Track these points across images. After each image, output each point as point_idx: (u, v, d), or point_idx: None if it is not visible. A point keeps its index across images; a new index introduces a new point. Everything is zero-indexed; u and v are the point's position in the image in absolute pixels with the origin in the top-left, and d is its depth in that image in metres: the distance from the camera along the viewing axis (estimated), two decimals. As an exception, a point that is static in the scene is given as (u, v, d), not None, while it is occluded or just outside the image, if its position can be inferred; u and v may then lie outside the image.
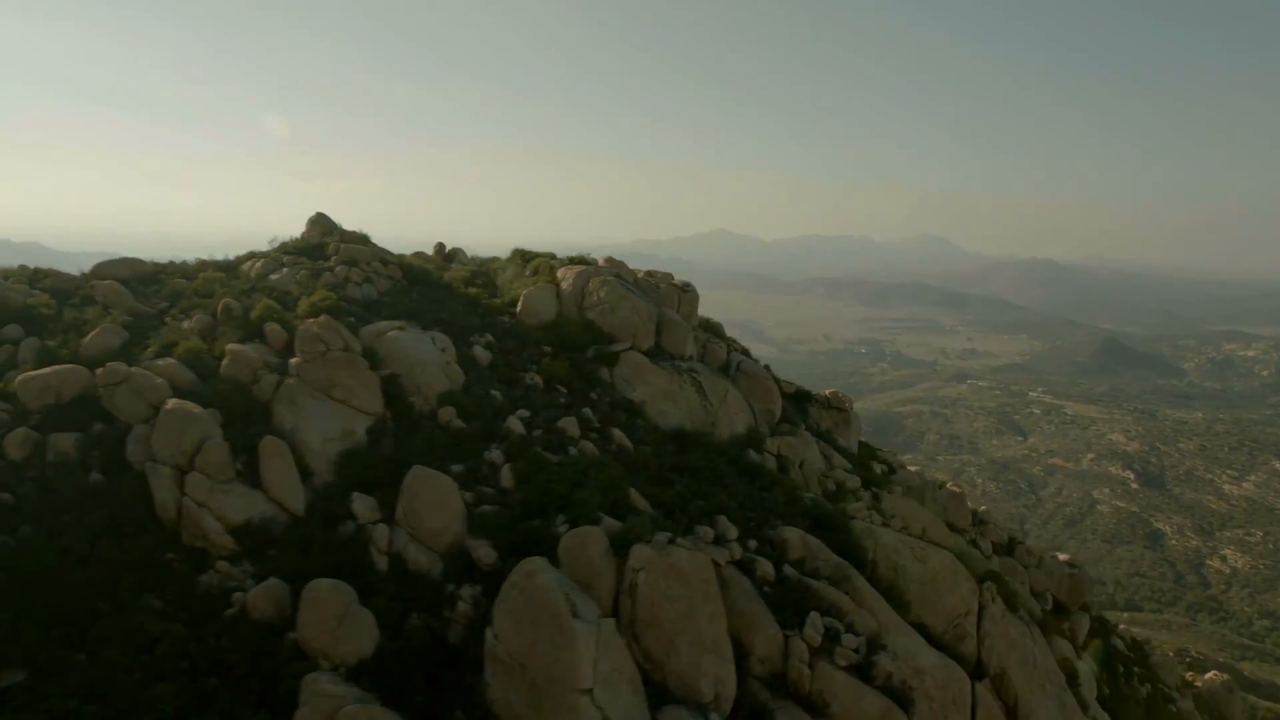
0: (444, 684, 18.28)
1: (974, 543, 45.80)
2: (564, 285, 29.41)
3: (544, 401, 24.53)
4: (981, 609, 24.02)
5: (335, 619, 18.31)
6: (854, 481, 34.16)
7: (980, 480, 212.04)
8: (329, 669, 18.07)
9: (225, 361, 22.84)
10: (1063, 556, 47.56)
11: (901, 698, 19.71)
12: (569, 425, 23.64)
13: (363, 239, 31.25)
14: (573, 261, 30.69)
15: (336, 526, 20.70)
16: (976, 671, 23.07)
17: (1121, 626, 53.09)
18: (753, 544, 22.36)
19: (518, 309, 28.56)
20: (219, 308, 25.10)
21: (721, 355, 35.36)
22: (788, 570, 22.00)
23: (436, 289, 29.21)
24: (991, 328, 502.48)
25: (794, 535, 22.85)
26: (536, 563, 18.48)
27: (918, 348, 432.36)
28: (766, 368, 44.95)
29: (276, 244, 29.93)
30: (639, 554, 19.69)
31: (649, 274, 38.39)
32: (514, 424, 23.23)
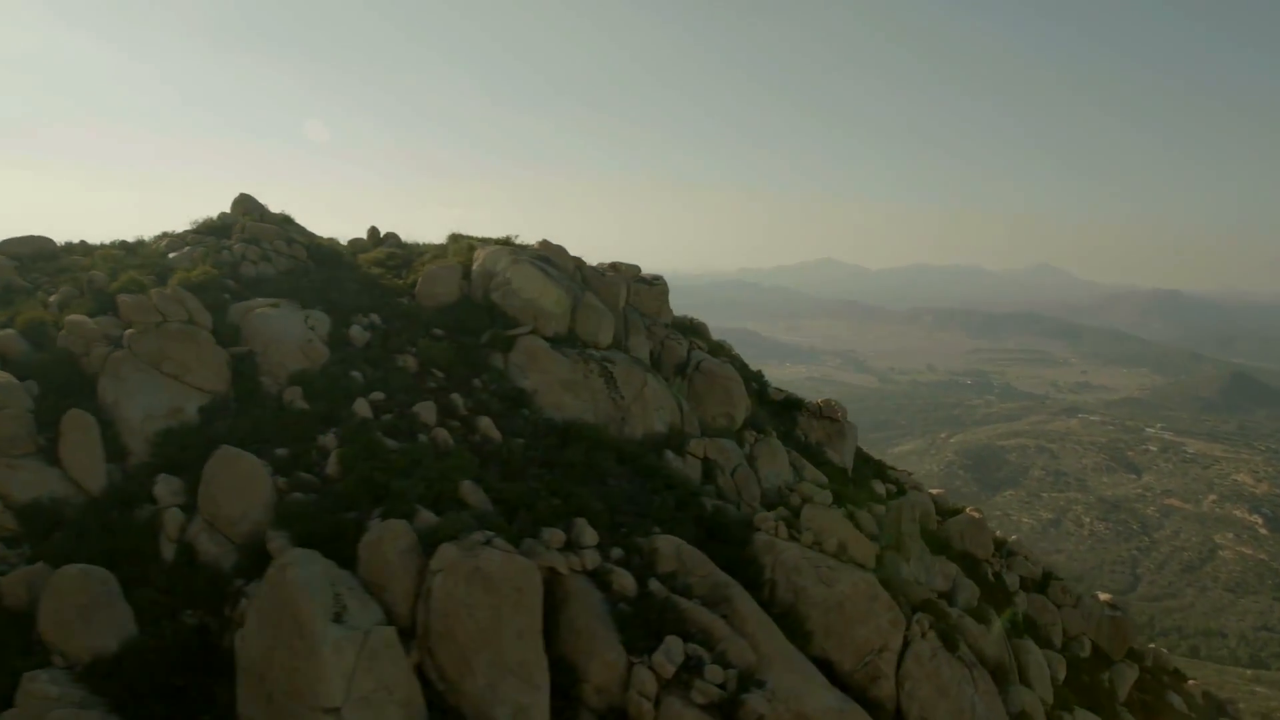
0: (192, 692, 15.74)
1: (997, 576, 40.55)
2: (475, 266, 26.88)
3: (408, 385, 21.99)
4: (906, 645, 19.88)
5: (76, 611, 16.10)
6: (824, 496, 30.16)
7: (1088, 520, 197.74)
8: (61, 666, 15.82)
9: (62, 332, 21.24)
10: (1104, 596, 41.70)
11: (771, 746, 16.09)
12: (425, 411, 20.98)
13: (283, 219, 29.61)
14: (500, 243, 28.17)
15: (134, 510, 18.58)
16: (892, 721, 19.04)
17: (1192, 683, 46.23)
18: (616, 553, 19.08)
19: (416, 290, 26.18)
20: (85, 280, 23.68)
21: (680, 353, 32.07)
22: (654, 586, 18.60)
23: (341, 270, 27.18)
24: (1108, 360, 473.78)
25: (667, 545, 19.41)
26: (295, 555, 15.84)
27: (1027, 380, 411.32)
28: (759, 374, 41.43)
29: (195, 224, 28.57)
30: (442, 554, 16.80)
31: (613, 265, 35.51)
32: (361, 407, 20.75)
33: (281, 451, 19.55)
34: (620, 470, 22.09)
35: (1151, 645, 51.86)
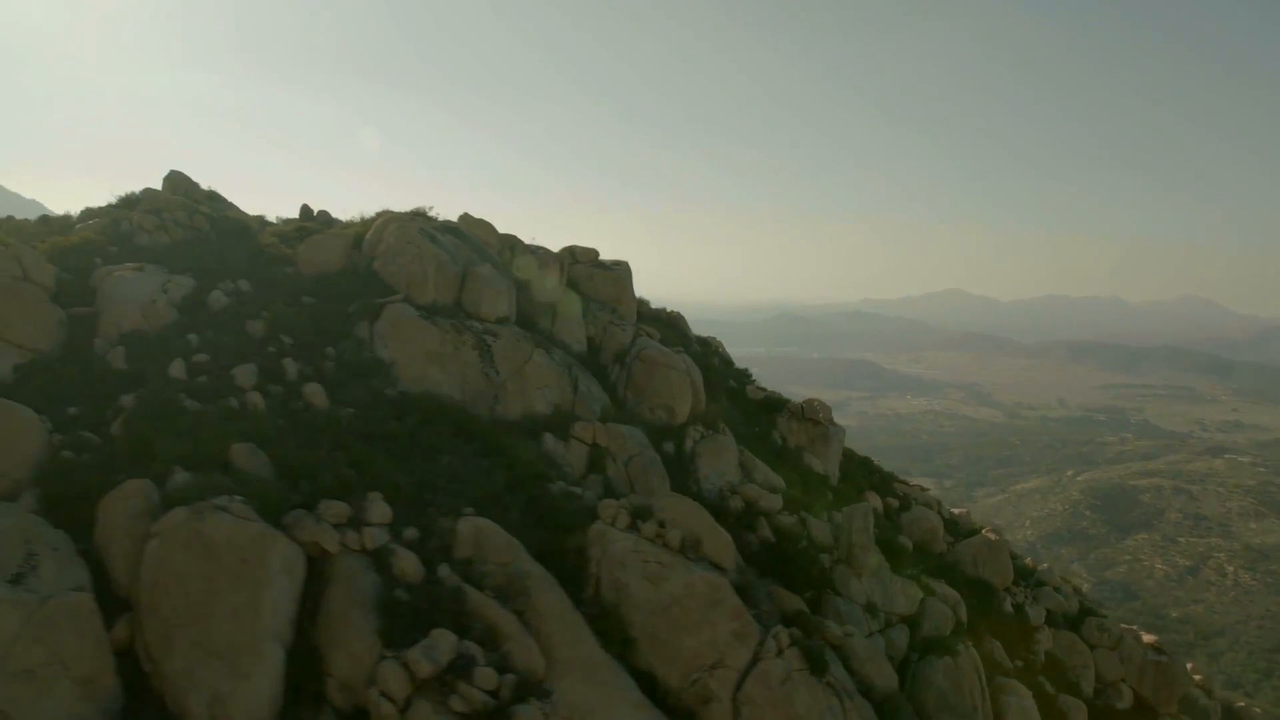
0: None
1: (1018, 607, 35.61)
2: (368, 234, 25.16)
3: (246, 350, 20.36)
4: (754, 663, 16.44)
5: None
6: (771, 501, 26.84)
7: (1231, 569, 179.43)
8: None
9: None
10: (1148, 639, 35.91)
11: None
12: (243, 374, 19.28)
13: (209, 195, 28.92)
14: (414, 215, 26.41)
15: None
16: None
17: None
18: (410, 533, 16.68)
19: (297, 257, 24.68)
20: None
21: (622, 339, 29.40)
22: (444, 572, 16.07)
23: (239, 242, 26.02)
24: (1263, 398, 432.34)
25: (467, 528, 16.83)
26: (-17, 508, 14.16)
27: (1169, 417, 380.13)
28: (742, 369, 38.04)
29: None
30: (169, 518, 14.95)
31: (568, 248, 33.29)
32: (176, 368, 19.26)
33: (73, 410, 18.20)
34: (463, 448, 19.65)
35: (1241, 704, 44.80)
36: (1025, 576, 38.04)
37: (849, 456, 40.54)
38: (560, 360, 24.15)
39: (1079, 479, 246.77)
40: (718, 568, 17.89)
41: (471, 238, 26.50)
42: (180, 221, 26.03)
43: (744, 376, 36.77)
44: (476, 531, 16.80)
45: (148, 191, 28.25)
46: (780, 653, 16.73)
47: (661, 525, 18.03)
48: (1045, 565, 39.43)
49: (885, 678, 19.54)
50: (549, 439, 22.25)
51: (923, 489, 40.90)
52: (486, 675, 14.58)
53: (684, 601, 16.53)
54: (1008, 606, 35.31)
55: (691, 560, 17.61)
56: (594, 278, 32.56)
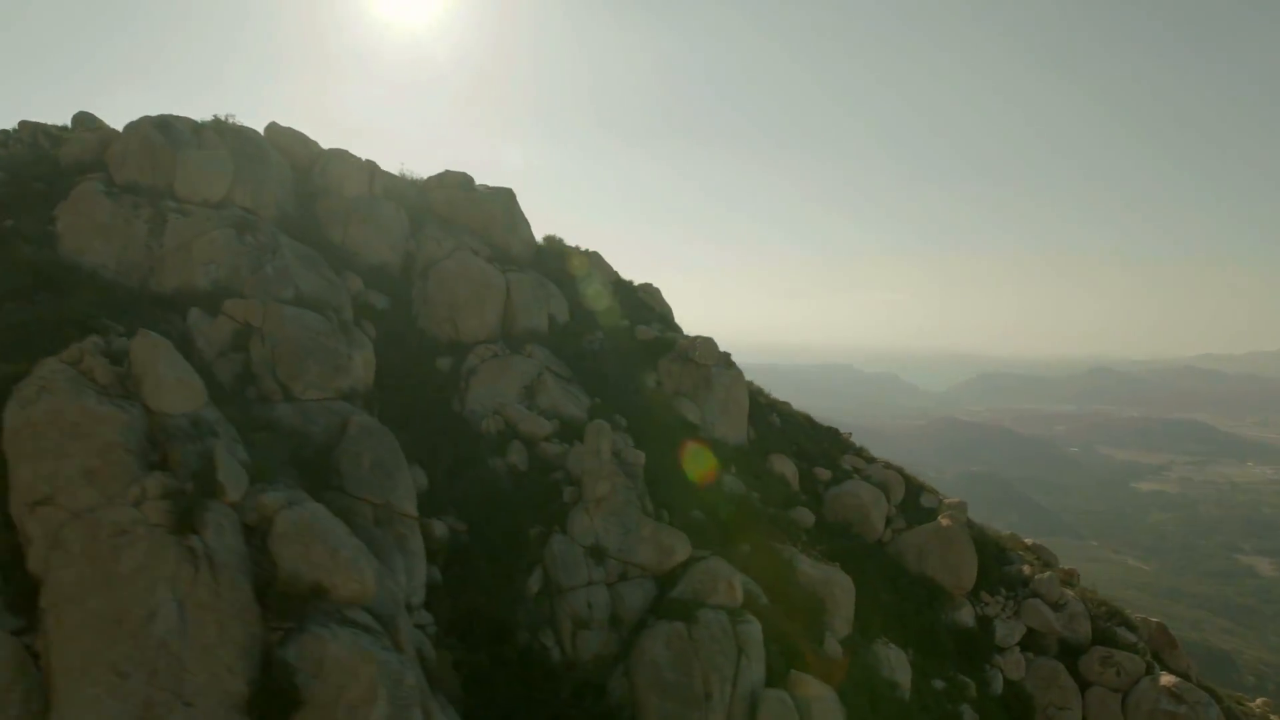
0: None
1: (985, 621, 28.29)
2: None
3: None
4: (94, 509, 13.24)
5: None
6: (538, 426, 23.13)
7: None
8: None
9: None
10: (1167, 679, 25.82)
11: None
12: None
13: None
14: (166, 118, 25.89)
15: None
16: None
17: None
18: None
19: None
20: None
21: (435, 253, 26.95)
22: None
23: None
24: None
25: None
26: None
27: None
28: (669, 315, 33.13)
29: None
30: None
31: (441, 174, 31.36)
32: None
33: None
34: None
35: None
36: (1011, 584, 28.93)
37: (812, 424, 33.89)
38: (254, 243, 22.19)
39: None
40: (151, 411, 14.91)
41: (253, 140, 25.59)
42: None
43: (660, 319, 32.08)
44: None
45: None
46: (139, 504, 13.42)
47: (116, 362, 15.55)
48: (1048, 574, 29.35)
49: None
50: (195, 313, 20.43)
51: (866, 452, 32.58)
52: None
53: (41, 427, 13.87)
54: (968, 619, 27.05)
55: (114, 396, 14.83)
56: (454, 202, 30.27)
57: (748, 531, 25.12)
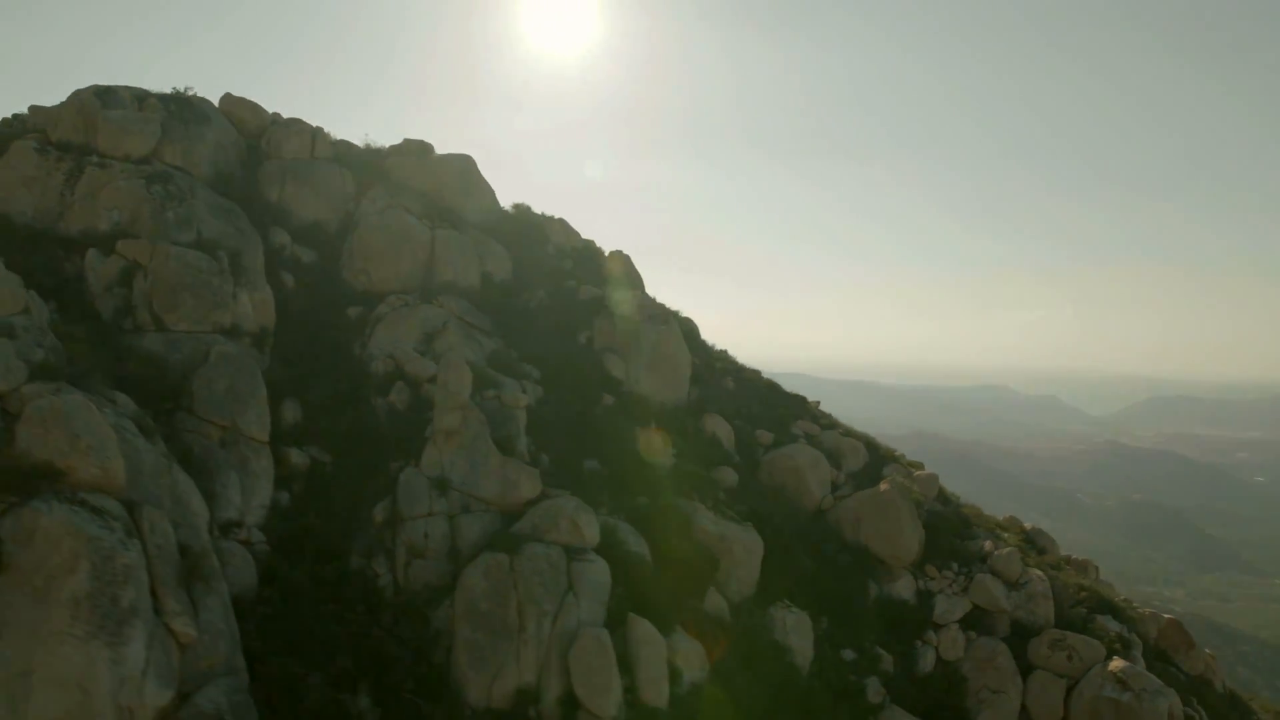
0: None
1: (926, 594, 26.61)
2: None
3: None
4: None
5: None
6: (423, 367, 23.55)
7: None
8: None
9: None
10: (1117, 664, 23.11)
11: None
12: None
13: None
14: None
15: None
16: None
17: None
18: None
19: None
20: None
21: (368, 210, 27.94)
22: None
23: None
24: None
25: None
26: None
27: None
28: (630, 279, 32.47)
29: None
30: None
31: (402, 142, 32.35)
32: None
33: None
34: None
35: None
36: (972, 560, 26.52)
37: (775, 391, 32.46)
38: (161, 192, 23.64)
39: None
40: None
41: (195, 107, 27.42)
42: None
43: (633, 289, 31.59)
44: None
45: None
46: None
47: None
48: (1033, 573, 26.42)
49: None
50: (92, 253, 22.01)
51: (859, 439, 30.34)
52: None
53: None
54: (899, 589, 25.29)
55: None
56: (406, 167, 31.20)
57: (650, 486, 24.33)
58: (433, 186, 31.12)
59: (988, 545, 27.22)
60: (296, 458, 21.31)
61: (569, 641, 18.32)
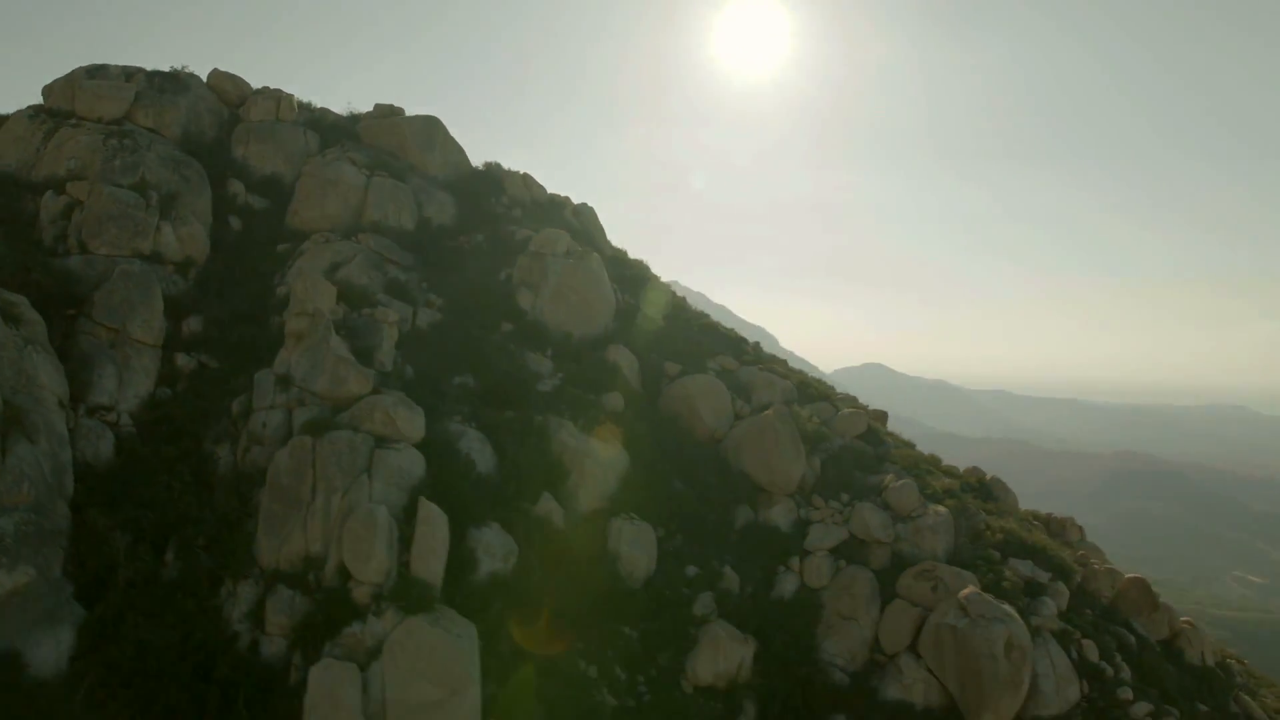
0: None
1: (805, 523, 26.45)
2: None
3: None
4: None
5: None
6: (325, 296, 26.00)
7: None
8: None
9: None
10: (966, 591, 21.73)
11: None
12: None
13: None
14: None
15: None
16: None
17: None
18: None
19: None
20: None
21: (320, 162, 30.97)
22: None
23: None
24: None
25: None
26: None
27: None
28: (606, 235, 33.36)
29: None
30: None
31: (371, 110, 35.10)
32: None
33: None
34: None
35: None
36: (869, 493, 25.40)
37: (716, 331, 32.28)
38: (116, 145, 27.54)
39: None
40: None
41: (176, 79, 31.55)
42: None
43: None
44: None
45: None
46: None
47: None
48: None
49: None
50: (49, 194, 26.17)
51: (784, 377, 29.29)
52: None
53: None
54: (774, 515, 24.98)
55: None
56: (371, 127, 34.08)
57: (522, 403, 25.25)
58: (395, 144, 33.83)
59: (889, 479, 25.84)
60: (183, 361, 24.28)
61: (347, 514, 19.79)
